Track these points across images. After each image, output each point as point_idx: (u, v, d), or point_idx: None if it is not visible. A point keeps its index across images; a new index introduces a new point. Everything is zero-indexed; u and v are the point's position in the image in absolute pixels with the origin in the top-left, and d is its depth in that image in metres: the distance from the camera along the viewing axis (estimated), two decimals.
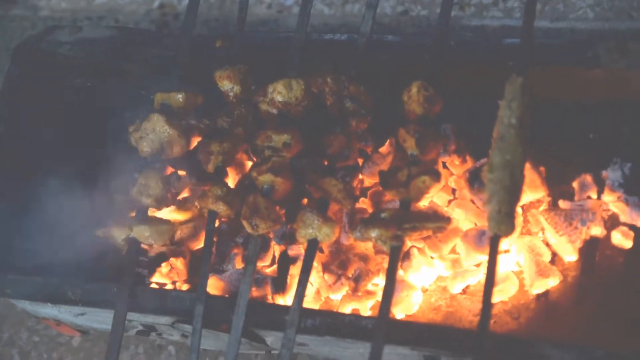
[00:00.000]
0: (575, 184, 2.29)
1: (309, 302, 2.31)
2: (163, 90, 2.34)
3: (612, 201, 2.24)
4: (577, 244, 2.22)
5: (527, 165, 2.06)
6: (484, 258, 2.22)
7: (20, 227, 2.51)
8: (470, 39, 2.60)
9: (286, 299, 2.32)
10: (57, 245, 2.45)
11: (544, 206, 2.29)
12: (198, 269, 2.24)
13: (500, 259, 2.21)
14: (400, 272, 2.26)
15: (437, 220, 2.07)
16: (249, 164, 2.43)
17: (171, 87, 2.34)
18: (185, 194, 2.47)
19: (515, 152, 1.89)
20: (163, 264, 2.41)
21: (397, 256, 2.04)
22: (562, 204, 2.27)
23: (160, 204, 2.28)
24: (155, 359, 2.67)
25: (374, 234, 2.03)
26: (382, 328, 1.96)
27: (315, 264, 2.24)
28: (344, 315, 2.16)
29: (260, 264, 2.34)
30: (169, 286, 2.41)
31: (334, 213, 2.25)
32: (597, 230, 2.22)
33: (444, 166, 2.37)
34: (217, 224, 2.27)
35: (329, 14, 2.90)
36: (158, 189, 2.25)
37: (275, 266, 2.37)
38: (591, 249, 2.22)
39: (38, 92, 2.66)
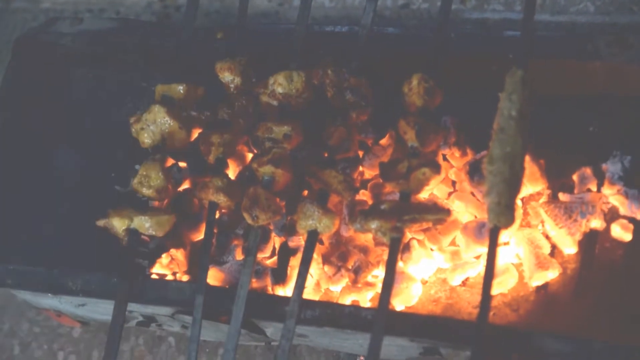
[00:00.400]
0: (575, 177, 2.29)
1: (309, 294, 2.31)
2: (164, 82, 2.34)
3: (611, 194, 2.24)
4: (576, 236, 2.22)
5: (527, 158, 2.06)
6: (483, 250, 2.22)
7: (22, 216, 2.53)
8: (470, 31, 2.60)
9: (286, 290, 2.32)
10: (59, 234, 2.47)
11: (543, 199, 2.29)
12: (198, 260, 2.24)
13: (500, 251, 2.22)
14: (400, 264, 2.27)
15: (437, 212, 2.07)
16: (250, 155, 2.43)
17: (172, 78, 2.34)
18: (185, 185, 2.47)
19: (515, 145, 1.89)
20: (163, 255, 2.41)
21: (397, 248, 2.05)
22: (562, 196, 2.27)
23: (161, 195, 2.28)
24: (155, 350, 2.68)
25: (373, 225, 2.04)
26: (382, 319, 1.96)
27: (315, 255, 2.24)
28: (343, 306, 2.16)
29: (260, 255, 2.34)
30: (169, 277, 2.41)
31: (334, 205, 2.26)
32: (597, 223, 2.22)
33: (444, 158, 2.37)
34: (217, 215, 2.27)
35: (330, 6, 2.90)
36: (159, 180, 2.26)
37: (275, 257, 2.37)
38: (591, 241, 2.22)
39: (39, 84, 2.67)
